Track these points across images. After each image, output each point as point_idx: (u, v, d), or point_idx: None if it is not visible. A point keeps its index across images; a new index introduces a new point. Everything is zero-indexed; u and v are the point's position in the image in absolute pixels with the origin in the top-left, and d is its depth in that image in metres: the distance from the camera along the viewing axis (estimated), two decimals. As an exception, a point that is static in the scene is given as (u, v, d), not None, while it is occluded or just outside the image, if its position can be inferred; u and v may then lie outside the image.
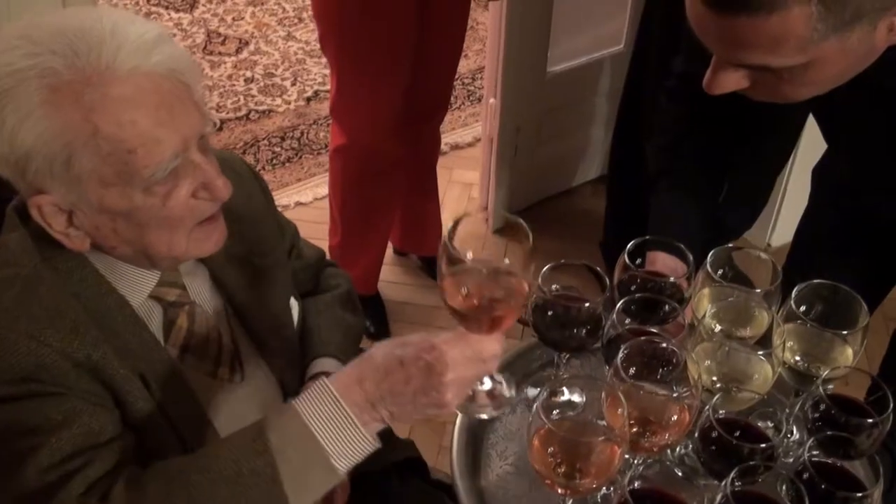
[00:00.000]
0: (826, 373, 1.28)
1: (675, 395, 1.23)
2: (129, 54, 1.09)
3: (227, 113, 3.84)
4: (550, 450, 1.17)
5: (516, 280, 1.12)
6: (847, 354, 1.33)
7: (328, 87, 3.87)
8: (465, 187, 3.42)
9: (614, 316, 1.34)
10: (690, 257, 1.44)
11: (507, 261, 1.11)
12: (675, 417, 1.23)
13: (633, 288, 1.42)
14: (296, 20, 4.48)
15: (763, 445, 1.20)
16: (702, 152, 1.64)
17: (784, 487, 1.16)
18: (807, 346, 1.35)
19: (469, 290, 1.11)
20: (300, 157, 3.61)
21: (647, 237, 1.49)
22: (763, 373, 1.30)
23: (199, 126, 1.16)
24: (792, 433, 1.37)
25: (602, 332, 1.35)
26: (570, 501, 1.28)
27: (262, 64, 4.16)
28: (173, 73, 1.13)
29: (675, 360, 1.26)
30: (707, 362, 1.30)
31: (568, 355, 1.45)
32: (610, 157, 3.06)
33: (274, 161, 3.59)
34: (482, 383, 1.20)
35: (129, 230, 1.17)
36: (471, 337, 1.12)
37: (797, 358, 1.35)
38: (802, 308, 1.34)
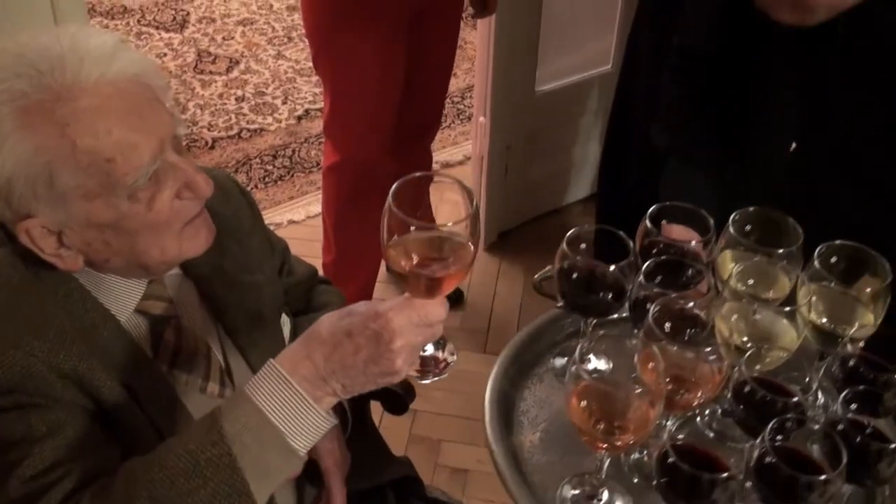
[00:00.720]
0: (853, 330, 1.31)
1: (708, 352, 1.25)
2: (92, 65, 1.11)
3: (219, 132, 3.85)
4: (588, 405, 1.19)
5: (460, 243, 1.11)
6: (870, 315, 1.34)
7: (319, 105, 3.92)
8: (455, 205, 3.42)
9: (641, 277, 1.35)
10: (711, 221, 1.45)
11: (450, 224, 1.10)
12: (707, 375, 1.25)
13: (654, 253, 1.43)
14: (286, 39, 4.50)
15: (796, 399, 1.23)
16: (708, 126, 1.67)
17: (816, 446, 1.18)
18: (831, 306, 1.36)
19: (412, 255, 1.10)
20: (292, 176, 3.62)
21: (666, 204, 1.49)
22: (789, 333, 1.32)
23: (171, 127, 1.18)
24: (817, 397, 1.37)
25: (629, 294, 1.37)
26: (607, 463, 1.30)
27: (253, 83, 4.19)
28: (137, 77, 1.15)
29: (701, 322, 1.29)
30: (734, 321, 1.31)
31: (594, 321, 1.45)
32: (599, 176, 3.08)
33: (266, 179, 3.61)
34: (425, 349, 1.20)
35: (120, 240, 1.17)
36: (416, 302, 1.11)
37: (823, 320, 1.36)
38: (825, 268, 1.36)
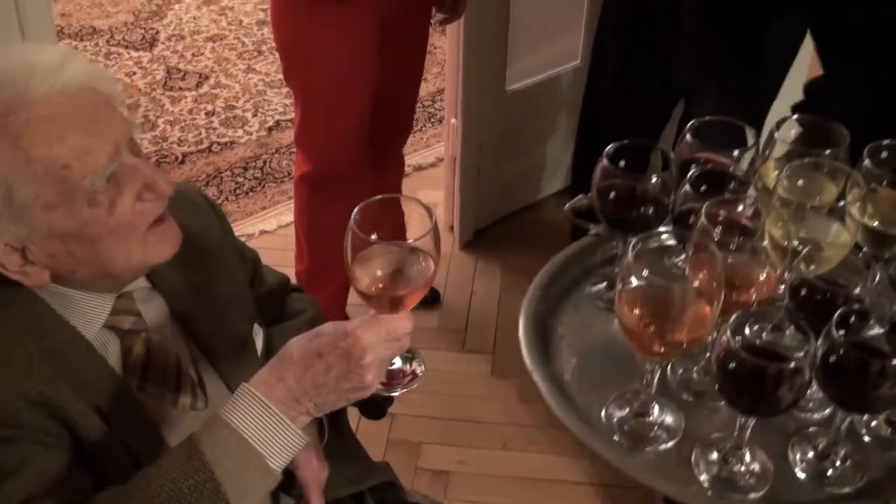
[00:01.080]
0: None
1: (759, 255, 1.26)
2: (42, 77, 1.11)
3: (189, 146, 3.83)
4: (641, 309, 1.21)
5: (423, 258, 1.15)
6: None
7: (290, 116, 3.91)
8: (423, 218, 3.43)
9: (686, 187, 1.35)
10: (753, 130, 1.46)
11: (411, 241, 1.15)
12: (758, 280, 1.25)
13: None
14: (256, 53, 4.49)
15: (857, 291, 1.25)
16: (729, 59, 1.70)
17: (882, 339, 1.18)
18: (882, 206, 1.35)
19: (376, 273, 1.16)
20: (263, 187, 3.62)
21: (705, 118, 1.49)
22: (842, 234, 1.31)
23: (126, 129, 1.17)
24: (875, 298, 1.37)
25: (672, 206, 1.36)
26: (657, 377, 1.31)
27: (223, 97, 4.17)
28: (87, 84, 1.14)
29: (748, 229, 1.29)
30: (784, 225, 1.30)
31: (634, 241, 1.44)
32: (572, 169, 3.08)
33: (237, 191, 3.59)
34: (392, 363, 1.23)
35: (84, 249, 1.16)
36: (382, 318, 1.15)
37: (875, 222, 1.35)
38: (876, 166, 1.35)
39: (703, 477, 1.27)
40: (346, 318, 2.93)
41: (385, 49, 2.45)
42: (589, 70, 2.88)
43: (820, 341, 1.17)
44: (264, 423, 1.12)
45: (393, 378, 1.24)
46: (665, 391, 1.37)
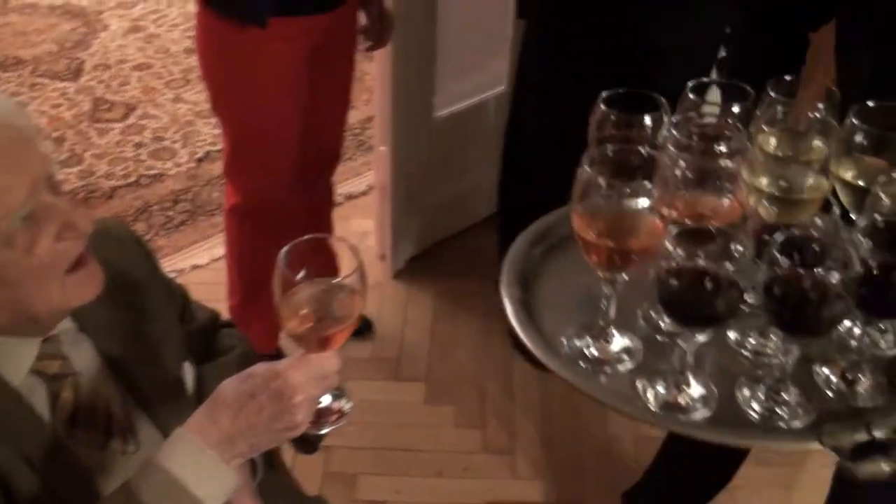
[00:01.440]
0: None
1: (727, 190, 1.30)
2: None
3: (117, 180, 3.79)
4: (597, 223, 1.27)
5: (349, 296, 1.19)
6: None
7: (219, 147, 3.87)
8: (362, 236, 3.44)
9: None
10: (748, 88, 1.49)
11: (337, 279, 1.18)
12: (724, 211, 1.30)
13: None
14: (183, 82, 4.47)
15: (818, 235, 1.25)
16: None
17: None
18: (863, 167, 1.37)
19: (303, 313, 1.19)
20: (194, 220, 3.59)
21: (703, 80, 1.53)
22: (820, 185, 1.34)
23: (45, 166, 1.15)
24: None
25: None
26: (613, 303, 1.36)
27: (151, 128, 4.14)
28: (2, 120, 1.13)
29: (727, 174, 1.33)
30: (763, 172, 1.34)
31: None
32: (498, 194, 3.11)
33: (168, 225, 3.56)
34: (320, 401, 1.26)
35: (3, 293, 1.14)
36: (311, 357, 1.19)
37: (859, 181, 1.37)
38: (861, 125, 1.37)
39: (650, 398, 1.31)
40: (279, 350, 2.93)
41: (313, 78, 2.45)
42: (512, 95, 2.91)
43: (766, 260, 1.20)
44: (200, 466, 1.13)
45: (321, 416, 1.26)
46: (628, 326, 1.42)
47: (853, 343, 1.36)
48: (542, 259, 1.55)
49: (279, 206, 2.58)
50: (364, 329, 3.04)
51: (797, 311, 1.20)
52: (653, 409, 1.30)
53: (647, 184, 1.28)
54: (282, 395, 1.15)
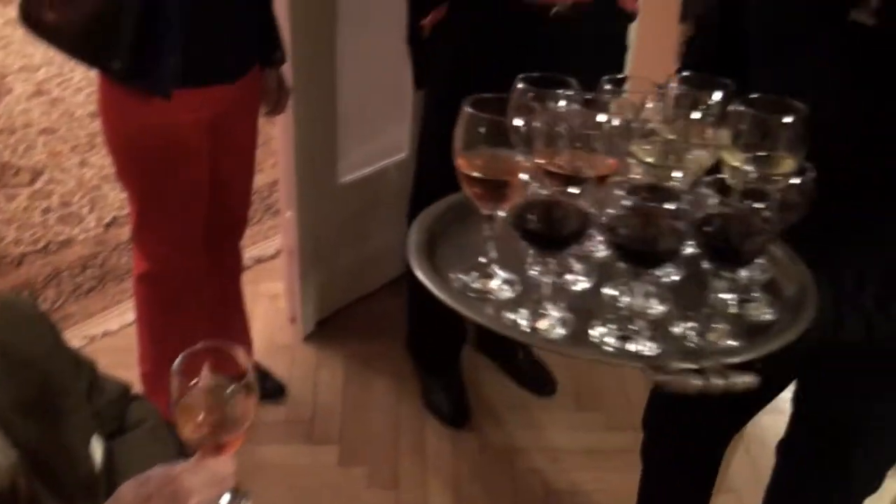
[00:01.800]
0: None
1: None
2: None
3: (26, 246, 3.79)
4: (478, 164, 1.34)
5: (244, 399, 1.27)
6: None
7: (126, 211, 3.87)
8: (272, 299, 3.48)
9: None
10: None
11: (231, 387, 1.27)
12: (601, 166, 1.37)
13: None
14: (89, 147, 4.48)
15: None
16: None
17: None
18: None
19: (199, 419, 1.25)
20: (104, 286, 3.60)
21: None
22: (703, 157, 1.43)
23: None
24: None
25: None
26: (493, 244, 1.43)
27: (59, 193, 4.14)
28: None
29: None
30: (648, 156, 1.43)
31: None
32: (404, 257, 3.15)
33: (77, 292, 3.55)
34: (220, 502, 1.31)
35: None
36: (206, 461, 1.24)
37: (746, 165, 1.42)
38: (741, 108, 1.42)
39: (523, 321, 1.39)
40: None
41: (217, 145, 2.47)
42: (416, 161, 2.95)
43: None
44: None
45: None
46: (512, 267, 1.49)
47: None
48: (446, 227, 1.61)
49: (187, 273, 2.59)
50: (276, 392, 3.07)
51: (643, 243, 1.32)
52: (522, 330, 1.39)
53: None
54: (177, 498, 1.19)
